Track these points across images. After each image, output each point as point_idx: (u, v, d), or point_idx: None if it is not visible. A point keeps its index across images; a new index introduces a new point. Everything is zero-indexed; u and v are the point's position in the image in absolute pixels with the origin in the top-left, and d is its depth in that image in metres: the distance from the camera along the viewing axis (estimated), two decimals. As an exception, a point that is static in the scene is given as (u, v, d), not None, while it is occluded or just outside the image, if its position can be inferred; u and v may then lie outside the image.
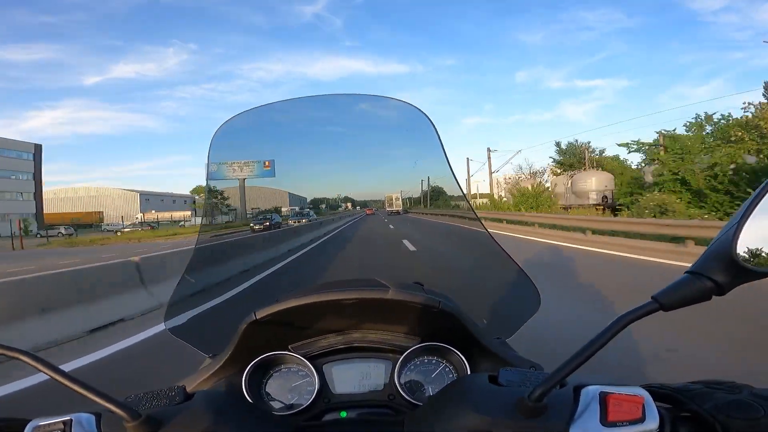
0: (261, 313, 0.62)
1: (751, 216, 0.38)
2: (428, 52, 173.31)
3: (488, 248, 0.92)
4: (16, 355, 0.41)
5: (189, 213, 54.75)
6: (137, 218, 52.75)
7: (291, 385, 0.65)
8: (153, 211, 58.27)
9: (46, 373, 0.41)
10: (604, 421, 0.40)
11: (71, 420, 0.43)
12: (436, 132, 0.89)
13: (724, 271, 0.38)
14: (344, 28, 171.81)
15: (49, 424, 0.43)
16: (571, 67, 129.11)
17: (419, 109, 0.90)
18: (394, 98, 0.94)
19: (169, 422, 0.42)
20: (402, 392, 0.62)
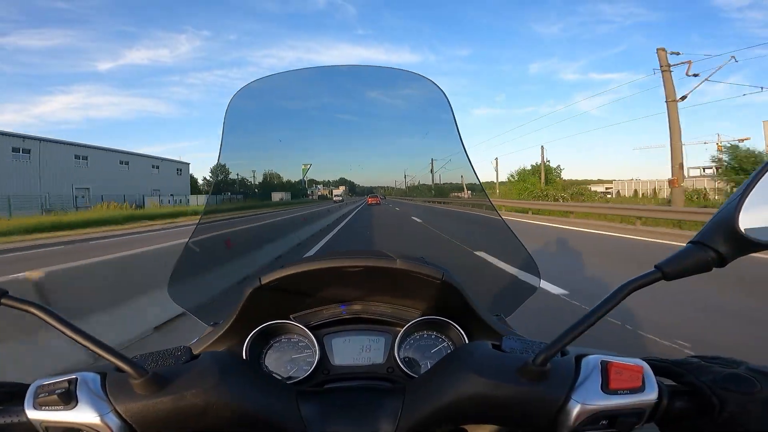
0: (266, 278, 0.60)
1: (755, 188, 0.39)
2: (441, 41, 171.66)
3: (494, 226, 0.90)
4: (27, 308, 0.39)
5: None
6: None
7: (290, 357, 0.64)
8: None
9: (57, 328, 0.38)
10: (605, 388, 0.40)
11: (76, 379, 0.41)
12: (452, 111, 0.87)
13: (726, 241, 0.39)
14: (357, 15, 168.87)
15: (53, 384, 0.41)
16: (587, 59, 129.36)
17: (435, 84, 0.88)
18: (413, 72, 0.91)
19: (175, 380, 0.41)
20: (401, 365, 0.62)
